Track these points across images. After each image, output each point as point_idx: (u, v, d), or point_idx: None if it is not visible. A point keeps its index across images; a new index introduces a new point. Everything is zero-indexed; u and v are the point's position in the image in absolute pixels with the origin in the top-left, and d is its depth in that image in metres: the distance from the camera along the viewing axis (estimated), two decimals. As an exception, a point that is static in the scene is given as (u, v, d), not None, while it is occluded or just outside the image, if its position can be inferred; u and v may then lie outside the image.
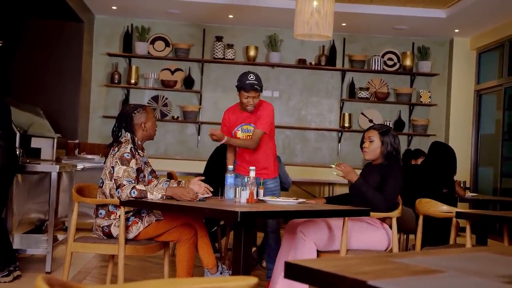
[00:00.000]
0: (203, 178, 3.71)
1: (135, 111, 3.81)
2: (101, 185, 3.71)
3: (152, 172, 3.92)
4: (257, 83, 4.32)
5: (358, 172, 3.89)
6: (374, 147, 3.82)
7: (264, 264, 5.33)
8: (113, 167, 3.61)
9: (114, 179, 3.56)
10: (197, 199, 3.45)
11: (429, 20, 7.77)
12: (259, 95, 4.37)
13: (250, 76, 4.32)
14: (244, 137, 4.46)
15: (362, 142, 3.89)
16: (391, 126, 8.61)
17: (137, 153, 3.73)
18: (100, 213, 3.70)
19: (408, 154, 6.64)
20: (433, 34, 8.55)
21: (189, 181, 3.72)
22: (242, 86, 4.31)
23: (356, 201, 3.77)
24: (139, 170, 3.71)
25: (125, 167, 3.57)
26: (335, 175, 3.83)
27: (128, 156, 3.62)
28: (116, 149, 3.68)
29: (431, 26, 8.09)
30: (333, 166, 3.77)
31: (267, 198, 3.69)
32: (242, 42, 8.61)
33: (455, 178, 5.75)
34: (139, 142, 3.80)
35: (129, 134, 3.77)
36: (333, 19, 5.28)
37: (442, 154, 5.63)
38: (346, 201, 3.92)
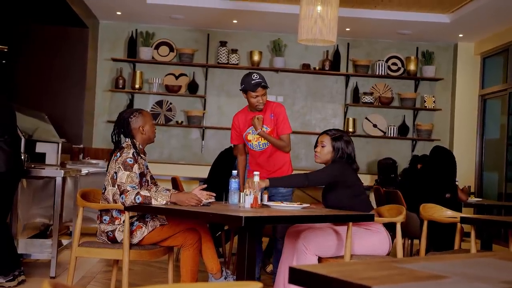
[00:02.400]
0: (205, 186, 3.70)
1: (131, 116, 3.81)
2: (103, 191, 3.71)
3: (151, 178, 3.92)
4: (262, 80, 4.38)
5: None
6: (325, 152, 3.86)
7: (268, 269, 5.32)
8: (116, 173, 3.60)
9: (118, 185, 3.56)
10: (201, 204, 3.45)
11: (433, 25, 7.76)
12: (266, 92, 4.42)
13: (254, 75, 4.38)
14: (256, 139, 4.49)
15: (316, 146, 3.93)
16: (393, 130, 8.60)
17: (139, 158, 3.73)
18: (104, 219, 3.70)
19: (415, 160, 6.66)
20: (437, 39, 8.54)
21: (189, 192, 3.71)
22: (248, 87, 4.35)
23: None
24: (141, 175, 3.71)
25: (128, 172, 3.56)
26: (247, 195, 3.51)
27: (130, 161, 3.62)
28: (118, 154, 3.68)
29: (435, 31, 8.08)
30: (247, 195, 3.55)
31: (271, 203, 3.69)
32: (246, 47, 8.62)
33: (459, 183, 5.74)
34: (140, 146, 3.80)
35: (129, 139, 3.78)
36: (337, 24, 5.28)
37: (441, 158, 5.62)
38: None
